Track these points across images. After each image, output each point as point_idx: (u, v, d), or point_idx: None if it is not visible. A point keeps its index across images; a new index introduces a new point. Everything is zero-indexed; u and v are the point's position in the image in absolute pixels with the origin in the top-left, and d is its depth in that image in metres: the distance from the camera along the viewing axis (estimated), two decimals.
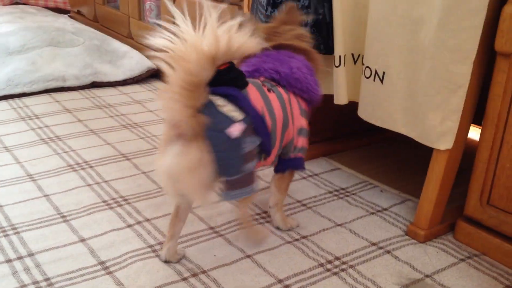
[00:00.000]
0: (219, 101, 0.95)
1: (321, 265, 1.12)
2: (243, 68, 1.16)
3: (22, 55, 2.25)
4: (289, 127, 1.11)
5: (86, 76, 2.27)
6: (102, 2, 2.91)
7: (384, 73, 1.23)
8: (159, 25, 0.90)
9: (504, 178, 1.11)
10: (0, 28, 2.46)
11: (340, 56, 1.34)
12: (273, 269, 1.10)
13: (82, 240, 1.18)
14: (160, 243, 1.17)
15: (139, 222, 1.26)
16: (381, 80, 1.24)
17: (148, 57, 0.90)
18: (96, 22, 3.01)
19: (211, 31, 0.89)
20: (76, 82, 2.24)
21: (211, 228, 1.24)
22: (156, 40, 0.89)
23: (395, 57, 1.20)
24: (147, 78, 2.41)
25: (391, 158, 1.65)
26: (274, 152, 1.09)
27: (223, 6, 0.96)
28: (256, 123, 0.99)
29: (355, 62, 1.38)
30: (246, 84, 1.02)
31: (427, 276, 1.09)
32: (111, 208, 1.32)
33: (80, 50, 2.36)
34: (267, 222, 1.27)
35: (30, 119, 1.88)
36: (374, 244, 1.20)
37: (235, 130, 0.94)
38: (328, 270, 1.10)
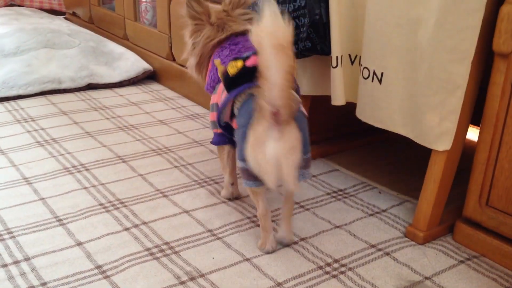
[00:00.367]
0: None
1: (320, 267, 1.11)
2: (232, 55, 1.21)
3: (17, 57, 2.24)
4: None
5: (82, 78, 2.25)
6: (98, 3, 2.89)
7: (382, 73, 1.23)
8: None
9: (503, 179, 1.10)
10: None
11: (337, 57, 1.33)
12: (272, 272, 1.09)
13: (79, 244, 1.17)
14: (157, 246, 1.16)
15: (136, 225, 1.25)
16: (379, 81, 1.24)
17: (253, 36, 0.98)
18: (92, 23, 3.00)
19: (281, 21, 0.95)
20: (72, 84, 2.22)
21: (209, 230, 1.23)
22: (262, 29, 0.94)
23: (393, 57, 1.19)
24: (143, 80, 2.40)
25: (389, 159, 1.64)
26: None
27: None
28: None
29: (352, 62, 1.37)
30: None
31: (426, 278, 1.09)
32: (107, 211, 1.31)
33: (76, 52, 2.35)
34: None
35: (25, 122, 1.87)
36: (373, 246, 1.19)
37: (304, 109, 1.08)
38: (327, 272, 1.10)
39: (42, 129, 1.81)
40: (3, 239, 1.18)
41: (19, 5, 3.38)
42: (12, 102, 2.07)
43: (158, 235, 1.21)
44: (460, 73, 1.08)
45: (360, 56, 1.32)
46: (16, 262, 1.10)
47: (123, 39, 2.64)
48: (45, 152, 1.63)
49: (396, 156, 1.66)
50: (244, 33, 1.26)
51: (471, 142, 1.55)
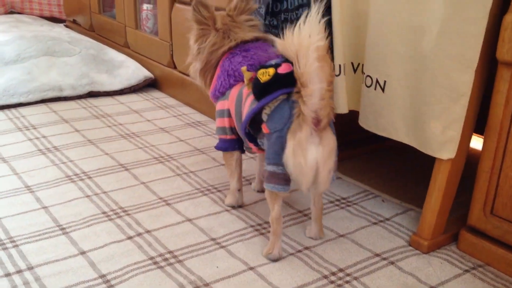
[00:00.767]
0: None
1: (325, 277, 1.11)
2: (245, 62, 1.22)
3: (17, 65, 2.24)
4: None
5: (83, 86, 2.25)
6: (98, 11, 2.90)
7: (385, 81, 1.23)
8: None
9: (507, 188, 1.10)
10: None
11: (340, 65, 1.33)
12: (276, 281, 1.09)
13: (82, 253, 1.16)
14: (160, 255, 1.16)
15: (139, 234, 1.24)
16: (382, 89, 1.24)
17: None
18: (92, 31, 3.00)
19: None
20: (72, 91, 2.22)
21: (213, 239, 1.23)
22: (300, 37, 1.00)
23: (396, 65, 1.19)
24: (144, 88, 2.40)
25: (392, 167, 1.64)
26: None
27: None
28: None
29: (355, 71, 1.37)
30: None
31: (432, 287, 1.08)
32: (110, 219, 1.30)
33: (77, 59, 2.35)
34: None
35: (27, 130, 1.87)
36: (377, 255, 1.19)
37: None
38: (332, 282, 1.09)
39: (44, 137, 1.80)
40: (6, 248, 1.17)
41: (19, 13, 3.39)
42: (13, 110, 2.07)
43: (162, 243, 1.20)
44: (464, 81, 1.08)
45: (362, 64, 1.32)
46: (19, 272, 1.09)
47: (124, 47, 2.64)
48: (47, 160, 1.62)
49: (399, 164, 1.66)
50: (251, 40, 1.26)
51: (475, 151, 1.55)
